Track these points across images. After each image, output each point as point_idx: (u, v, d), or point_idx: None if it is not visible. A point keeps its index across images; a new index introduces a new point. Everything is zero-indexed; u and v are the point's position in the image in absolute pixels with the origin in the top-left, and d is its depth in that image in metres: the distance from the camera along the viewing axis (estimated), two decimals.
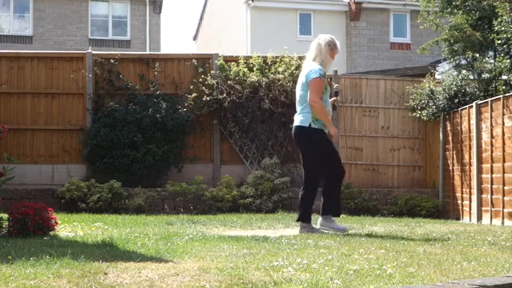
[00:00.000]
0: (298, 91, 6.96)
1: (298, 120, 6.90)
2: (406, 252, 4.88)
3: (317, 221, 7.09)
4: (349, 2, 22.57)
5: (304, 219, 6.89)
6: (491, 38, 11.00)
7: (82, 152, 11.98)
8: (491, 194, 9.75)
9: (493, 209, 9.72)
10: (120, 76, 12.27)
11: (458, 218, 10.99)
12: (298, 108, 6.95)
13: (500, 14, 10.39)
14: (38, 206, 6.18)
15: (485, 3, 11.42)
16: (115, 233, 6.55)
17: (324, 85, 6.83)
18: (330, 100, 7.14)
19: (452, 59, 12.05)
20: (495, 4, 10.68)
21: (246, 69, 12.23)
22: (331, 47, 6.93)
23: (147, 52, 21.40)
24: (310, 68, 6.85)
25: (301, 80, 6.94)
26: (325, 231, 6.82)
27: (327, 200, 6.94)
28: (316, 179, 6.95)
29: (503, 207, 9.35)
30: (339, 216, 7.23)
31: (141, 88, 12.29)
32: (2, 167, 6.42)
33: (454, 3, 11.90)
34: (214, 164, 12.36)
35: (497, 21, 10.45)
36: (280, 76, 12.09)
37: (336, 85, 7.17)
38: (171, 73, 12.50)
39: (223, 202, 11.22)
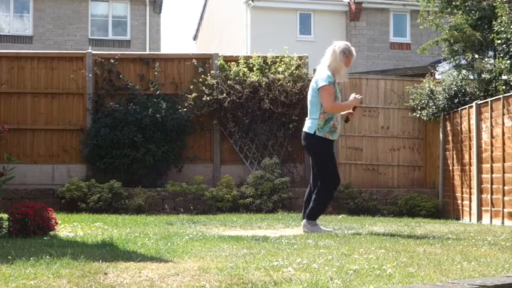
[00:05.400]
0: (309, 96, 7.07)
1: (306, 126, 7.02)
2: (406, 252, 4.88)
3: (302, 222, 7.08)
4: (349, 2, 22.57)
5: (314, 217, 6.96)
6: (491, 38, 11.00)
7: (82, 152, 11.98)
8: (491, 194, 9.75)
9: (493, 209, 9.72)
10: (120, 76, 12.28)
11: (458, 218, 10.98)
12: (308, 113, 7.06)
13: (499, 14, 10.39)
14: (38, 206, 6.18)
15: (485, 3, 11.42)
16: (115, 233, 6.56)
17: (335, 93, 6.90)
18: (345, 112, 7.15)
19: (452, 59, 12.05)
20: (495, 4, 10.68)
21: (246, 69, 12.23)
22: (346, 54, 6.99)
23: (147, 52, 21.41)
24: (319, 76, 6.95)
25: (311, 85, 7.03)
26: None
27: (316, 205, 6.93)
28: (329, 180, 6.97)
29: (503, 207, 9.34)
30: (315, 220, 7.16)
31: (141, 88, 12.29)
32: (2, 167, 6.42)
33: (454, 3, 11.89)
34: (214, 164, 12.36)
35: (497, 22, 10.46)
36: (280, 76, 12.09)
37: (360, 97, 7.17)
38: (171, 73, 12.51)
39: (223, 202, 11.22)
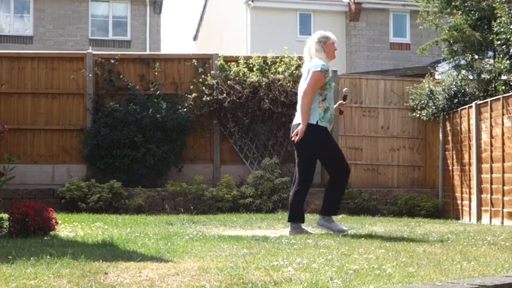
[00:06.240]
0: (302, 87, 6.69)
1: None
2: (406, 252, 4.89)
3: (313, 220, 7.05)
4: (349, 2, 22.58)
5: (297, 219, 6.74)
6: (490, 38, 11.01)
7: (82, 152, 11.99)
8: (491, 194, 9.76)
9: (492, 208, 9.73)
10: (121, 76, 12.28)
11: (458, 218, 10.99)
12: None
13: (499, 15, 10.40)
14: (39, 206, 6.19)
15: (484, 3, 11.43)
16: (115, 232, 6.56)
17: (327, 81, 6.56)
18: (337, 104, 7.00)
19: (452, 59, 12.05)
20: (494, 5, 10.69)
21: (246, 70, 12.24)
22: (322, 42, 6.67)
23: (147, 52, 21.42)
24: (313, 63, 6.60)
25: (304, 77, 6.71)
26: (322, 231, 6.74)
27: (331, 199, 6.78)
28: (309, 178, 6.86)
29: (503, 207, 9.36)
30: (336, 215, 7.07)
31: (141, 88, 12.30)
32: (3, 167, 6.43)
33: (453, 3, 11.90)
34: (214, 164, 12.37)
35: (497, 23, 10.47)
36: (280, 76, 12.10)
37: (346, 89, 6.98)
38: (171, 73, 12.51)
39: (223, 202, 11.23)
